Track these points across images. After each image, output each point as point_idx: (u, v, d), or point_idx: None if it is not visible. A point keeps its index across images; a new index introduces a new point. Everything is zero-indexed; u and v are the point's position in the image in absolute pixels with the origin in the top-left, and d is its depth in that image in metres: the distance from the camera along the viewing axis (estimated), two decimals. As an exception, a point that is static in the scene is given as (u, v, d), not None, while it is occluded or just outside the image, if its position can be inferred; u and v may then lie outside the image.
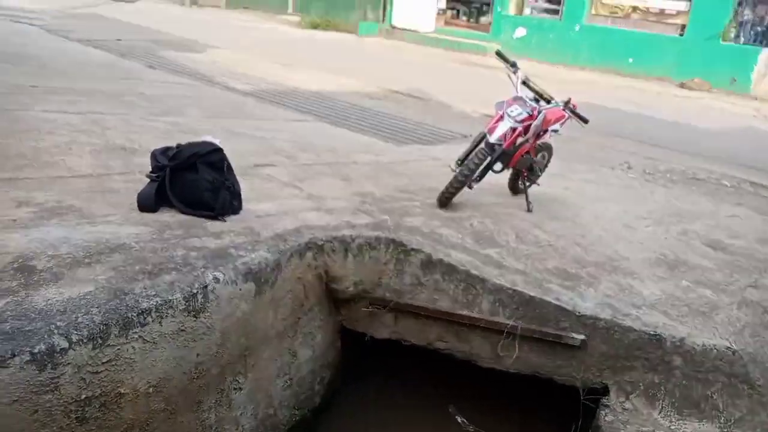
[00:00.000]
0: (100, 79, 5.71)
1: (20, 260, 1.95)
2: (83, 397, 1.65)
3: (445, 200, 3.36)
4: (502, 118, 3.28)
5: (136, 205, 2.56)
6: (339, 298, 2.73)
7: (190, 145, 2.77)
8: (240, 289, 2.15)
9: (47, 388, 1.57)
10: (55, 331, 1.62)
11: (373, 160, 4.48)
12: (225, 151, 2.77)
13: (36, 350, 1.55)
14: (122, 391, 1.74)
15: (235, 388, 2.20)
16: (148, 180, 2.67)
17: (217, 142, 2.81)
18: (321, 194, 3.28)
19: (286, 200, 3.08)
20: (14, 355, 1.52)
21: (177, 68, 7.34)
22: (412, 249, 2.71)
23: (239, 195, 2.80)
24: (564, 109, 3.35)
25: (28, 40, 7.59)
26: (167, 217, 2.54)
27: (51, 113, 3.97)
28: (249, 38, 11.58)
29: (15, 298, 1.74)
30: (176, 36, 10.22)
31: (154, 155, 2.74)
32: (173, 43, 9.46)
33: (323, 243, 2.61)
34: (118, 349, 1.72)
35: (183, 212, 2.60)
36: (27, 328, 1.61)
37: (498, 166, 3.40)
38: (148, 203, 2.56)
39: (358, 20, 15.31)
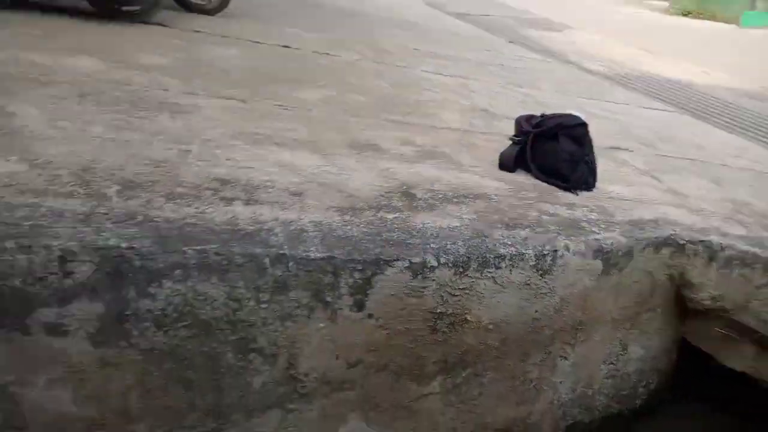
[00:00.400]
0: (466, 49, 6.21)
1: (404, 187, 2.28)
2: (438, 311, 1.86)
3: None
4: None
5: (496, 162, 2.72)
6: (689, 307, 2.40)
7: (555, 116, 2.78)
8: (587, 264, 2.09)
9: (415, 294, 1.81)
10: (429, 250, 1.84)
11: (749, 166, 3.75)
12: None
13: (413, 260, 1.80)
14: (468, 318, 1.91)
15: (561, 356, 2.20)
16: (510, 143, 2.79)
17: (582, 117, 2.76)
18: (683, 191, 2.91)
19: (641, 188, 2.84)
20: (397, 259, 1.78)
21: (534, 45, 7.47)
22: (803, 280, 2.18)
23: (595, 172, 2.71)
24: None
25: (410, 11, 8.78)
26: (522, 179, 2.63)
27: (428, 73, 4.51)
28: (610, 21, 11.04)
29: (401, 216, 2.04)
30: (537, 15, 10.38)
31: (519, 121, 2.85)
32: (533, 21, 9.65)
33: (685, 243, 2.31)
34: (473, 281, 1.88)
35: (537, 177, 2.65)
36: (408, 241, 1.88)
37: None
38: (509, 163, 2.69)
39: (742, 9, 12.91)
